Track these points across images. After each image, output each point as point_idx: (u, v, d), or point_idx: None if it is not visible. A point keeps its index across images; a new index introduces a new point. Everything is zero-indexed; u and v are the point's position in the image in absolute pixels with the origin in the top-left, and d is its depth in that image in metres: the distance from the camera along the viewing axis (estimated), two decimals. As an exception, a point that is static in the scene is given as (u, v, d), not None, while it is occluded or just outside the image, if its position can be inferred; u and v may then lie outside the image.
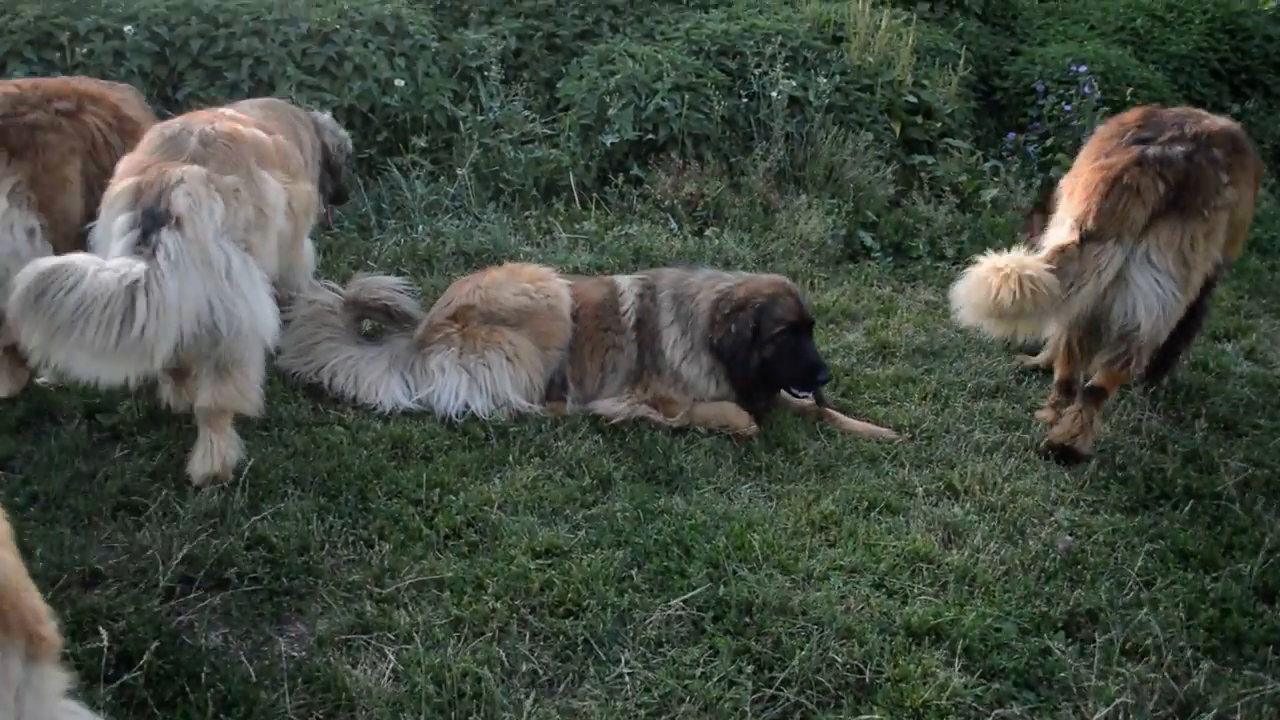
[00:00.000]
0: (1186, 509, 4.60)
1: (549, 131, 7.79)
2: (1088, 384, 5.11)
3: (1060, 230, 4.89)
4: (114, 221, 4.06)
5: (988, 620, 3.77)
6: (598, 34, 8.68)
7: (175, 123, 4.51)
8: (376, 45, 7.67)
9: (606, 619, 3.63)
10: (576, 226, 7.12)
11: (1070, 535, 4.41)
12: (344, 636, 3.50)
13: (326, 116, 6.01)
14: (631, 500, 4.34)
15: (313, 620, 3.59)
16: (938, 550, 4.20)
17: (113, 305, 3.71)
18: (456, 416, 4.92)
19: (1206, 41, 10.74)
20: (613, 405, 5.02)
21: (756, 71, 8.14)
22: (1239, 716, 3.42)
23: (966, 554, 4.17)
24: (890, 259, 7.47)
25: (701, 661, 3.49)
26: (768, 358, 4.96)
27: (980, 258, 4.83)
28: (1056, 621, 3.84)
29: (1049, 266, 4.67)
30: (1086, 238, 4.77)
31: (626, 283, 5.31)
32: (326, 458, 4.49)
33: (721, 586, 3.82)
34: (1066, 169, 8.68)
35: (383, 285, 5.48)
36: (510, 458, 4.65)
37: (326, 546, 3.93)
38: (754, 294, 4.98)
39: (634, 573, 3.90)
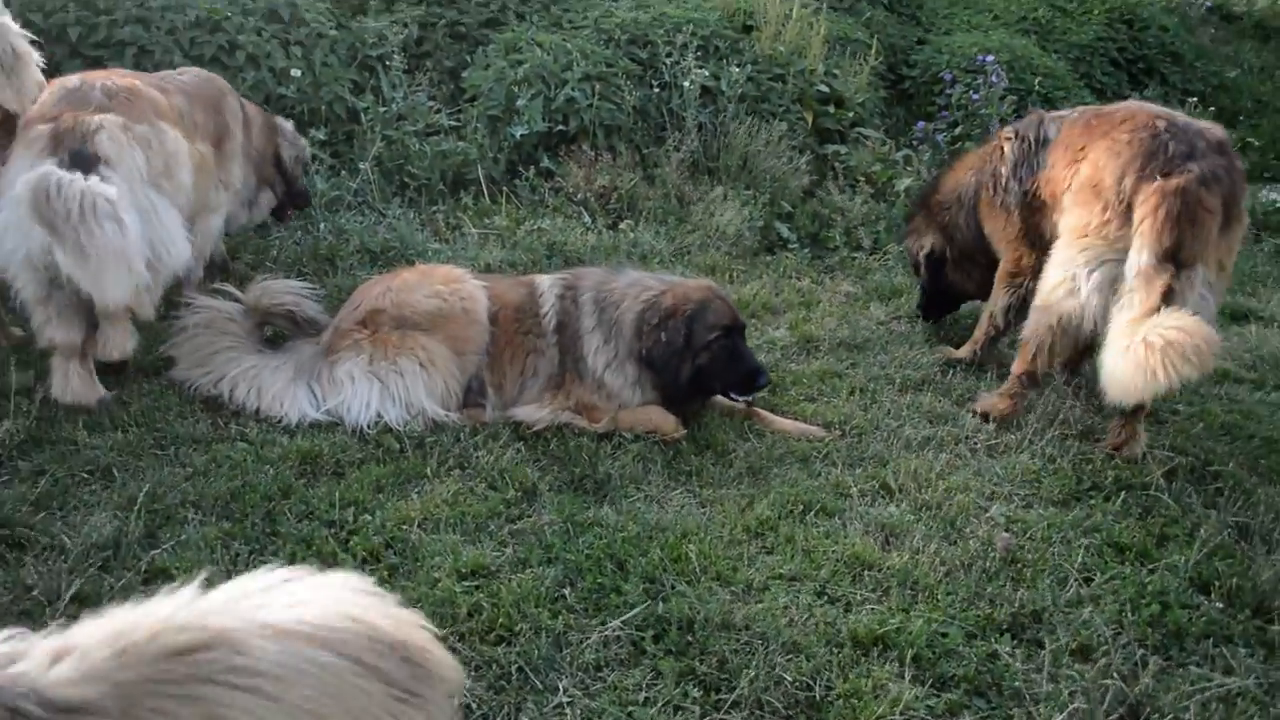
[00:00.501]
0: (1118, 501, 4.57)
1: (455, 123, 7.49)
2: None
3: (1147, 264, 4.64)
4: (36, 167, 4.24)
5: (933, 626, 3.66)
6: (503, 22, 8.39)
7: (74, 78, 4.77)
8: (270, 33, 7.27)
9: (541, 644, 3.40)
10: (486, 221, 6.85)
11: (1007, 532, 4.33)
12: (255, 677, 3.20)
13: (288, 125, 6.45)
14: (559, 512, 4.12)
15: (220, 660, 3.29)
16: (877, 554, 4.08)
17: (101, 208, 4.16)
18: (368, 428, 4.62)
19: (1106, 31, 10.95)
20: (534, 412, 4.78)
21: (668, 61, 7.95)
22: (1190, 715, 3.37)
23: (906, 556, 4.06)
24: (807, 250, 7.38)
25: (644, 685, 3.29)
26: (703, 365, 4.78)
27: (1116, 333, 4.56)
28: (1002, 624, 3.74)
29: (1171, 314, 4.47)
30: (1179, 266, 4.64)
31: (546, 283, 5.06)
32: (229, 478, 4.16)
33: (660, 604, 3.62)
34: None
35: (285, 289, 5.15)
36: (428, 470, 4.38)
37: (232, 577, 3.60)
38: (683, 300, 4.79)
39: (567, 592, 3.68)
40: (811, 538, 4.15)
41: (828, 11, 9.50)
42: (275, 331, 5.31)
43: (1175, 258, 4.58)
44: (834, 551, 4.05)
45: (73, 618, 3.22)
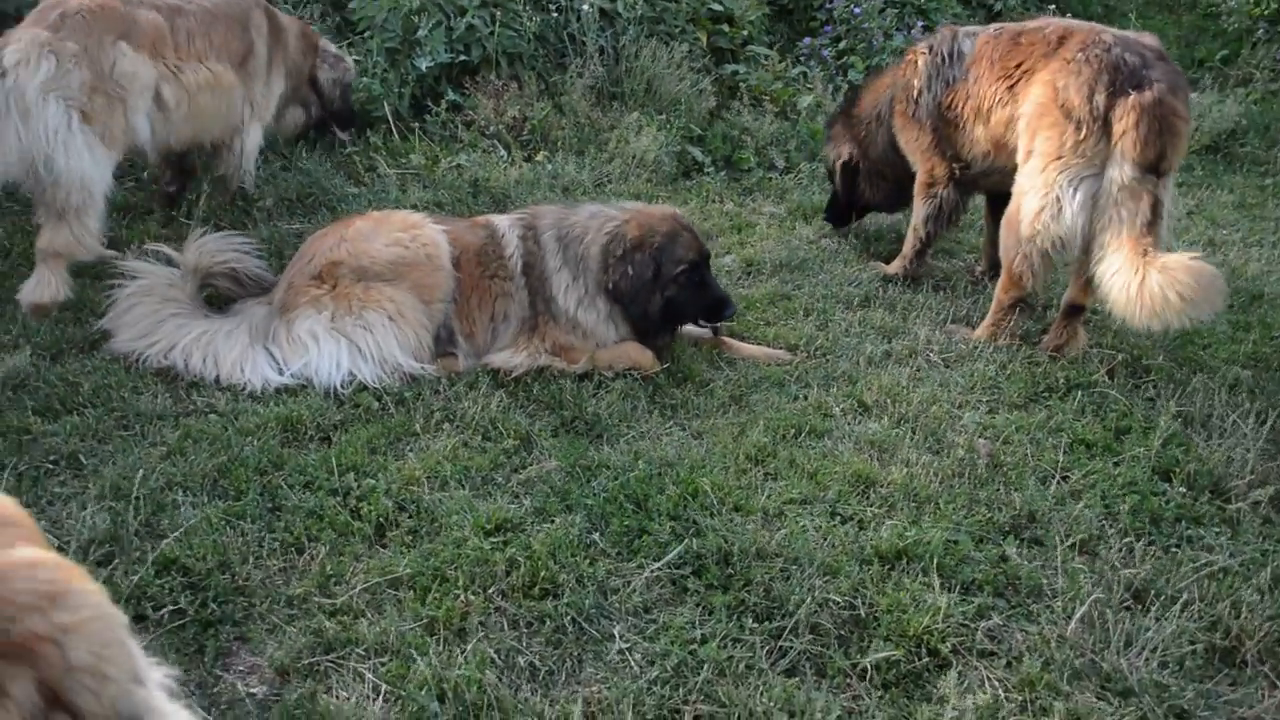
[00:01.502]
0: (1074, 400, 4.81)
1: (356, 57, 7.08)
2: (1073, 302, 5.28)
3: (1131, 177, 4.80)
4: None
5: (944, 535, 3.80)
6: (380, -56, 7.92)
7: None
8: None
9: (587, 593, 3.37)
10: (401, 161, 6.55)
11: (983, 438, 4.51)
12: (307, 661, 3.06)
13: (331, 46, 6.64)
14: (564, 458, 4.06)
15: (261, 647, 3.12)
16: (876, 470, 4.19)
17: None
18: (342, 388, 4.42)
19: (967, -61, 11.13)
20: (510, 357, 4.66)
21: (562, -17, 7.72)
22: (1188, 594, 3.61)
23: (903, 471, 4.18)
24: (723, 173, 7.37)
25: (697, 622, 3.31)
26: (672, 296, 4.74)
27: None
28: (1004, 526, 3.92)
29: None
30: (1159, 175, 4.82)
31: (506, 224, 4.88)
32: (210, 454, 3.91)
33: (693, 540, 3.63)
34: (861, 71, 8.95)
35: (224, 246, 4.83)
36: (417, 427, 4.22)
37: (250, 559, 3.43)
38: (649, 232, 4.71)
39: (597, 537, 3.65)
40: (809, 460, 4.22)
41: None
42: (212, 294, 4.98)
43: (1157, 168, 4.79)
44: (835, 472, 4.14)
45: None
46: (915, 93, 5.87)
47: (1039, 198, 5.02)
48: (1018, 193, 5.18)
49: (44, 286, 4.86)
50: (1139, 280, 4.64)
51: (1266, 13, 11.59)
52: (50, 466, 3.84)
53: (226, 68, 5.53)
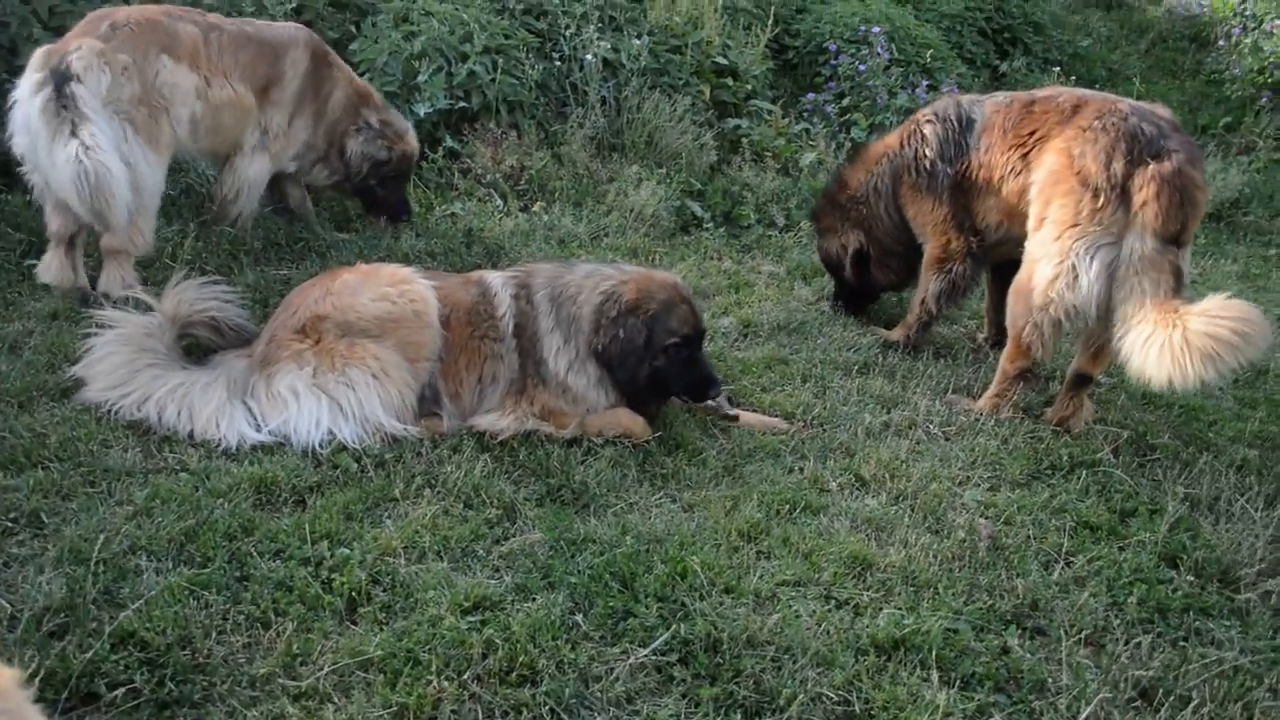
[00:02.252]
0: (1078, 480, 4.66)
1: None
2: (1081, 372, 5.15)
3: (1152, 248, 4.71)
4: (29, 78, 5.13)
5: (944, 623, 3.64)
6: (388, -11, 7.87)
7: (105, 9, 5.52)
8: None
9: (568, 682, 3.19)
10: (395, 208, 6.42)
11: (984, 518, 4.36)
12: (267, 749, 2.88)
13: (386, 118, 6.36)
14: (548, 530, 3.89)
15: (220, 732, 2.94)
16: (873, 551, 4.03)
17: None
18: (321, 447, 4.24)
19: (973, 1, 11.16)
20: (497, 420, 4.49)
21: (567, 32, 7.63)
22: (1196, 696, 3.44)
23: (902, 553, 4.02)
24: (723, 229, 7.26)
25: (683, 716, 3.13)
26: (659, 368, 4.58)
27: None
28: (1005, 614, 3.76)
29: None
30: (1179, 245, 4.73)
31: (498, 283, 4.73)
32: (178, 516, 3.73)
33: (680, 625, 3.46)
34: (864, 129, 8.88)
35: (205, 294, 4.67)
36: (397, 492, 4.05)
37: (213, 634, 3.24)
38: (646, 298, 4.56)
39: (580, 619, 3.47)
40: (804, 538, 4.06)
41: (711, -21, 9.33)
42: (192, 343, 4.82)
43: (1178, 239, 4.68)
44: (831, 552, 3.98)
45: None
46: (927, 163, 5.71)
47: (1053, 266, 4.89)
48: (1029, 260, 5.05)
49: (113, 281, 5.31)
50: (1180, 333, 4.47)
51: (1270, 81, 11.61)
52: (10, 525, 3.65)
53: (248, 90, 5.71)
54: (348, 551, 3.64)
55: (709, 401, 4.83)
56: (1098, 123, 4.90)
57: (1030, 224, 5.09)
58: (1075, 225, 4.85)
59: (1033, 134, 5.17)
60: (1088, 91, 5.26)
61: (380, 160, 6.29)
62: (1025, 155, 5.21)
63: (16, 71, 6.16)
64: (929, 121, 5.76)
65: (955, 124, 5.63)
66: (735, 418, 4.71)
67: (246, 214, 6.02)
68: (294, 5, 7.30)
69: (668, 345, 4.57)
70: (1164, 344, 4.48)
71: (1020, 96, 5.45)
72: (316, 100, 6.07)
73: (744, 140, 7.98)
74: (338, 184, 6.41)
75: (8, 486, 3.81)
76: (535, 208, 6.77)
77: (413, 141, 6.44)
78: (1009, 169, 5.26)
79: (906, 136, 5.87)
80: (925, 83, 9.61)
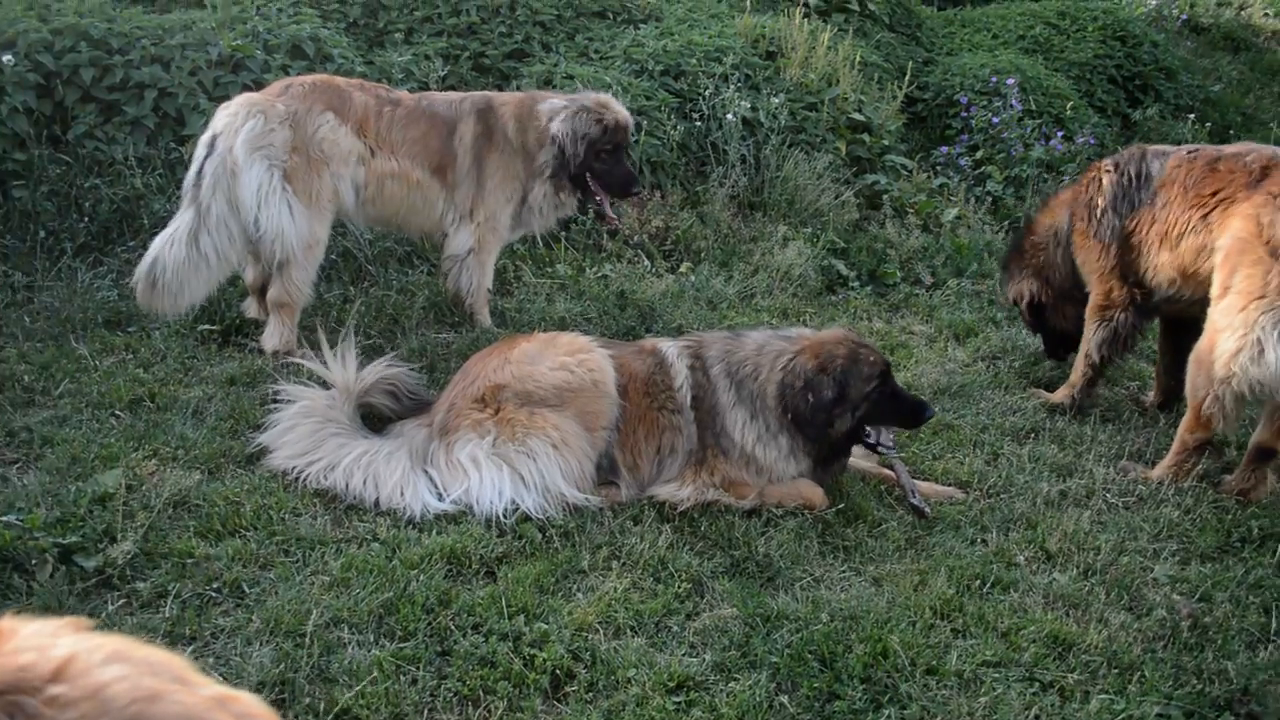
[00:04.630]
0: (1271, 554, 4.45)
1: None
2: (1264, 446, 4.94)
3: None
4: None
5: (1156, 709, 3.48)
6: (529, 53, 8.02)
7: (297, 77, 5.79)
8: (297, 70, 6.80)
9: (782, 768, 3.12)
10: (547, 270, 6.49)
11: (1179, 595, 4.18)
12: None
13: (557, 104, 5.97)
14: (742, 606, 3.83)
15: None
16: (1072, 630, 3.88)
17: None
18: (504, 517, 4.26)
19: (1102, 49, 10.98)
20: (677, 490, 4.46)
21: (706, 92, 7.68)
22: None
23: (1102, 632, 3.87)
24: (869, 288, 7.17)
25: (905, 808, 3.03)
26: (865, 415, 4.55)
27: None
28: (1218, 700, 3.60)
29: None
30: None
31: (674, 352, 4.71)
32: (375, 587, 3.76)
33: (890, 709, 3.36)
34: (999, 182, 8.75)
35: (379, 364, 4.77)
36: (584, 564, 4.03)
37: (425, 712, 3.25)
38: (828, 358, 4.51)
39: (785, 700, 3.40)
40: (998, 615, 3.94)
41: (838, 34, 9.33)
42: (369, 410, 4.90)
43: None
44: (1029, 631, 3.85)
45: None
46: (1099, 211, 5.60)
47: (1237, 338, 4.70)
48: (1211, 330, 4.87)
49: (275, 336, 5.49)
50: None
51: None
52: (213, 594, 3.72)
53: (415, 165, 5.73)
54: (546, 626, 3.62)
55: (901, 481, 4.74)
56: (1209, 174, 4.76)
57: (1214, 290, 4.91)
58: (1262, 297, 4.65)
59: (1215, 194, 5.00)
60: (1275, 149, 5.07)
61: (593, 136, 5.85)
62: (1206, 216, 5.04)
63: (184, 141, 6.45)
64: (1108, 171, 5.66)
65: (1134, 177, 5.50)
66: (924, 514, 4.60)
67: (464, 286, 5.97)
68: (442, 73, 7.47)
69: (869, 392, 4.52)
70: None
71: (1206, 151, 5.29)
72: (491, 155, 5.88)
73: (884, 196, 7.90)
74: (557, 179, 5.93)
75: (210, 556, 3.88)
76: (682, 268, 6.78)
77: (620, 109, 6.04)
78: (1188, 227, 5.10)
79: (1086, 184, 5.78)
80: (1060, 133, 9.43)
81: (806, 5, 9.70)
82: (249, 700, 1.65)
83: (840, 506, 4.59)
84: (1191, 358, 4.99)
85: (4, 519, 3.80)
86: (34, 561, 3.71)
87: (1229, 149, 5.23)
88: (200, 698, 1.54)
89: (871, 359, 4.56)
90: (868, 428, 4.67)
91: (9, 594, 3.59)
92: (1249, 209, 4.77)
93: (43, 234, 6.03)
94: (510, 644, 3.55)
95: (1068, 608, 4.06)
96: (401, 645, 3.51)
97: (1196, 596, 4.16)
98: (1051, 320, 6.15)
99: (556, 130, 5.84)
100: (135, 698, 1.47)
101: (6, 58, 6.11)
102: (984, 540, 4.48)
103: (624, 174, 6.00)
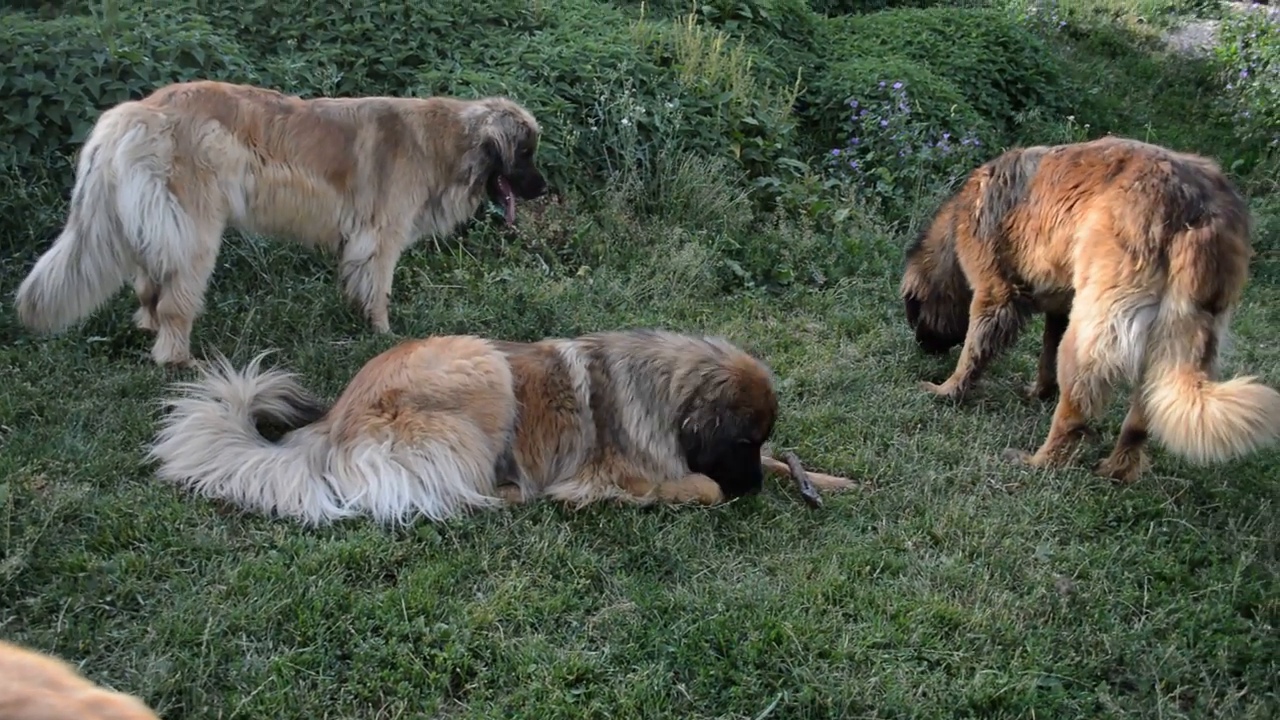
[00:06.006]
0: (1145, 531, 4.69)
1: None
2: (1134, 429, 5.17)
3: (1187, 313, 4.77)
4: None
5: (1036, 681, 3.66)
6: (424, 60, 8.00)
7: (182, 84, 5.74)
8: (186, 78, 6.69)
9: (680, 754, 3.21)
10: (445, 276, 6.50)
11: (1059, 574, 4.39)
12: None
13: (480, 110, 6.11)
14: (640, 599, 3.91)
15: (343, 817, 2.94)
16: (958, 610, 4.05)
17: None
18: (403, 520, 4.27)
19: (986, 54, 11.36)
20: (575, 488, 4.52)
21: (601, 98, 7.76)
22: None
23: (986, 611, 4.04)
24: (763, 288, 7.33)
25: (798, 787, 3.14)
26: (722, 456, 4.69)
27: None
28: (1094, 670, 3.78)
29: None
30: (1215, 310, 4.79)
31: (572, 353, 4.78)
32: (273, 594, 3.75)
33: (783, 692, 3.48)
34: (889, 183, 9.02)
35: (269, 374, 4.75)
36: (484, 564, 4.07)
37: (325, 715, 3.26)
38: (746, 400, 4.63)
39: (683, 688, 3.49)
40: (887, 599, 4.09)
41: (730, 40, 9.51)
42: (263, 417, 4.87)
43: (1213, 305, 4.74)
44: (917, 613, 4.00)
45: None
46: (978, 212, 5.87)
47: (1095, 326, 4.96)
48: (1074, 319, 5.13)
49: (167, 347, 5.43)
50: (1197, 410, 4.55)
51: (1280, 122, 11.80)
52: (106, 607, 3.67)
53: (309, 173, 5.69)
54: (446, 627, 3.66)
55: (794, 473, 4.89)
56: (1138, 183, 4.98)
57: (1075, 281, 5.17)
58: (1115, 286, 4.91)
59: (1076, 187, 5.26)
60: (1136, 145, 5.33)
61: (520, 139, 6.09)
62: (1070, 209, 5.30)
63: (70, 150, 6.30)
64: (985, 175, 5.95)
65: (1009, 179, 5.76)
66: (816, 505, 4.74)
67: (362, 293, 6.02)
68: (336, 80, 7.43)
69: (740, 444, 4.65)
70: (1181, 417, 4.59)
71: (1070, 148, 5.56)
72: (392, 160, 5.94)
73: (777, 198, 8.08)
74: (479, 183, 6.10)
75: (103, 569, 3.83)
76: (580, 271, 6.85)
77: (529, 115, 6.29)
78: (1056, 220, 5.35)
79: (967, 189, 6.08)
80: (946, 135, 9.75)
81: (700, 12, 9.85)
82: (124, 702, 1.66)
83: (735, 500, 4.71)
84: (1060, 347, 5.25)
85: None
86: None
87: (1092, 144, 5.50)
88: (72, 701, 1.55)
89: (767, 427, 4.76)
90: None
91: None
92: (1103, 201, 5.03)
93: (-80, 247, 5.85)
94: (411, 645, 3.58)
95: (954, 589, 4.23)
96: (301, 650, 3.50)
97: (1075, 574, 4.37)
98: (924, 316, 6.46)
99: (491, 134, 5.98)
100: (3, 702, 1.48)
101: (-123, 66, 5.91)
102: (874, 528, 4.64)
103: (534, 176, 6.25)
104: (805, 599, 4.04)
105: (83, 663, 3.37)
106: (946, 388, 6.08)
